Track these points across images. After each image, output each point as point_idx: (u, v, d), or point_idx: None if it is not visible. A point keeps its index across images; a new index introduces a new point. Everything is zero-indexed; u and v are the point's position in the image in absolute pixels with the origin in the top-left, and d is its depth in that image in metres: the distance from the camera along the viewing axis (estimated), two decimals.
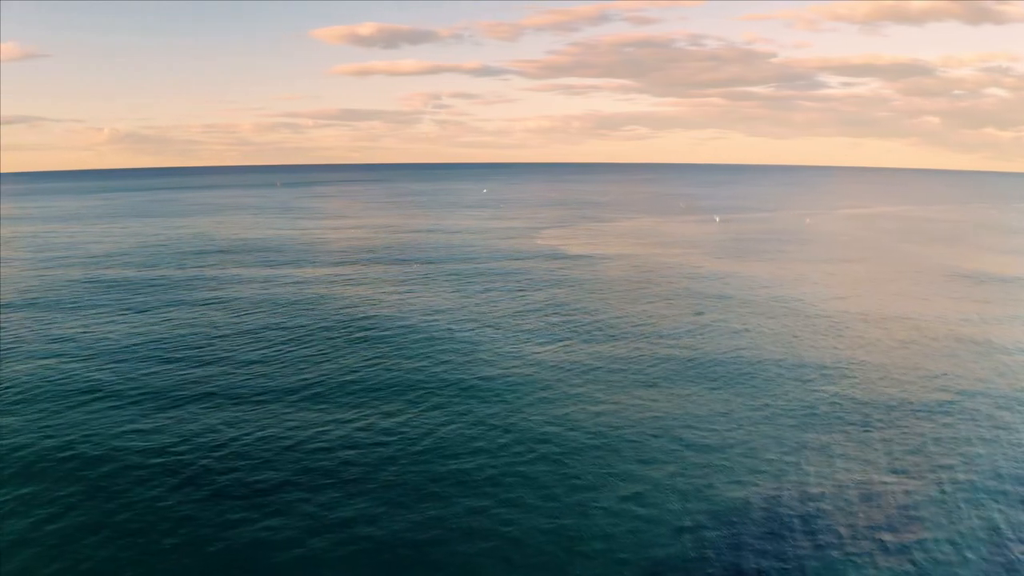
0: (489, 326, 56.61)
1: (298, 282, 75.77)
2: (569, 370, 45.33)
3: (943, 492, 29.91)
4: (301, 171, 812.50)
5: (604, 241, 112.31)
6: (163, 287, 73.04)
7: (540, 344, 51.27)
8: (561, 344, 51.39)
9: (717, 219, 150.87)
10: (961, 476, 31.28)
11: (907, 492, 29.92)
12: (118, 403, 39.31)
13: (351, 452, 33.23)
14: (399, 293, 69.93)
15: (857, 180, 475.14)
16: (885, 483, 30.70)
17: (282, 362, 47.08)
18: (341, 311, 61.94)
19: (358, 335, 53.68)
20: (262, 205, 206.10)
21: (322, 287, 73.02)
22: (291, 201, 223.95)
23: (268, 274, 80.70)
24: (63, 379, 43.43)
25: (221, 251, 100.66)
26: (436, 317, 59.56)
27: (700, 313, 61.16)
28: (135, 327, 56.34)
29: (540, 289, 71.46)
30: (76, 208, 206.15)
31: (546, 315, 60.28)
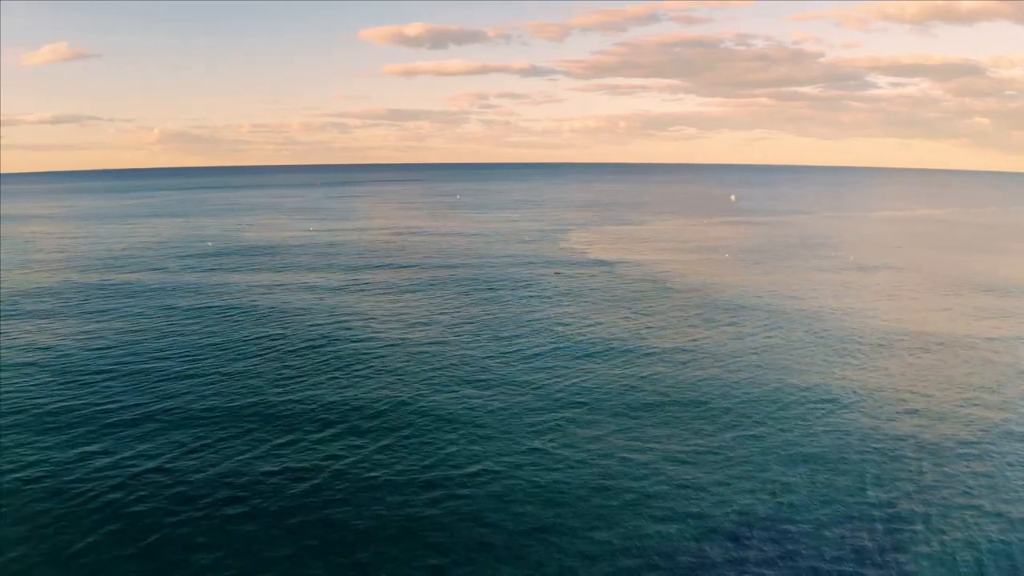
0: (482, 342, 54.13)
1: (292, 289, 74.00)
2: (556, 394, 42.35)
3: (984, 548, 26.46)
4: (347, 171, 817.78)
5: (627, 245, 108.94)
6: (155, 292, 72.11)
7: (532, 361, 48.42)
8: (555, 362, 48.34)
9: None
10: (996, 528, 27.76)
11: (940, 547, 26.62)
12: (70, 420, 37.86)
13: (278, 481, 31.26)
14: (394, 303, 67.59)
15: (903, 182, 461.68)
16: (904, 534, 27.31)
17: (246, 381, 45.06)
18: (326, 322, 59.67)
19: (335, 351, 51.27)
20: (292, 206, 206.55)
21: (314, 295, 71.06)
22: (321, 201, 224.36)
23: (264, 280, 79.29)
24: (18, 391, 42.25)
25: (230, 253, 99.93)
26: (424, 331, 57.12)
27: (710, 321, 57.47)
28: (112, 335, 55.12)
29: (546, 299, 68.68)
30: (109, 207, 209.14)
31: (546, 327, 57.35)
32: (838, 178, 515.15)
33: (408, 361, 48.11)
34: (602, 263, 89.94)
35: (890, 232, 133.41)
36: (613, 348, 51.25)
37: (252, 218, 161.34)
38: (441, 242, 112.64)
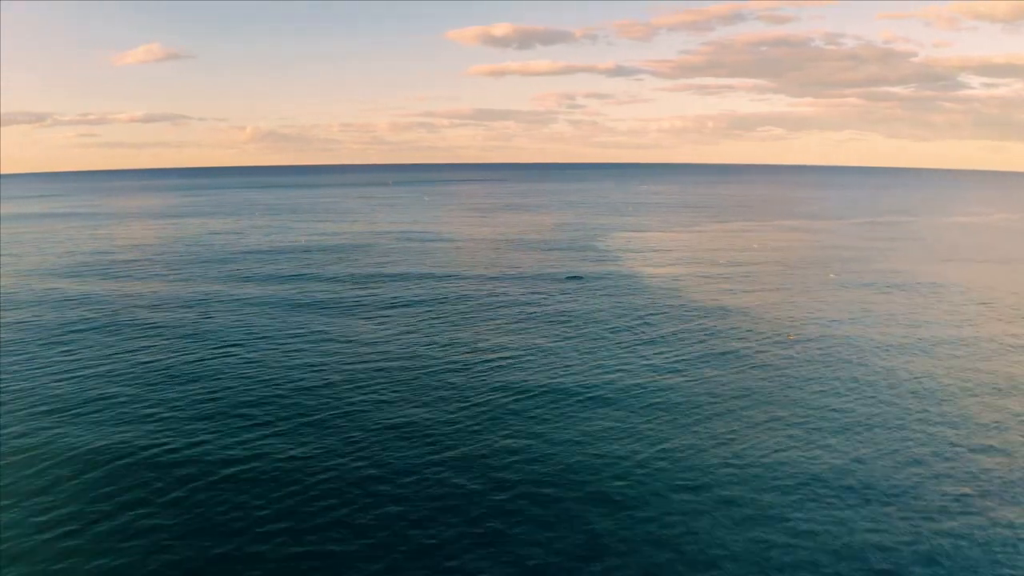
0: (443, 377, 49.21)
1: (270, 301, 70.92)
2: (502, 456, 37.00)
3: None
4: (431, 170, 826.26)
5: (675, 252, 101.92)
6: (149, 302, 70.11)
7: (492, 402, 43.00)
8: (523, 405, 42.26)
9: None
10: None
11: None
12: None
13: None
14: (367, 322, 62.89)
15: (989, 185, 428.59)
16: None
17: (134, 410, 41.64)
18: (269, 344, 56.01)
19: (259, 393, 46.62)
20: (346, 207, 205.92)
21: (261, 310, 67.35)
22: (386, 201, 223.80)
23: (249, 292, 76.66)
24: None
25: (249, 254, 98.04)
26: (382, 356, 52.85)
27: (717, 346, 49.86)
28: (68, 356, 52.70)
29: (549, 320, 63.35)
30: (177, 205, 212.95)
31: (532, 356, 51.56)
32: (924, 180, 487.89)
33: (340, 399, 43.61)
34: (639, 275, 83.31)
35: (956, 239, 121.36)
36: (601, 391, 44.68)
37: (307, 218, 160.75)
38: (468, 248, 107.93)
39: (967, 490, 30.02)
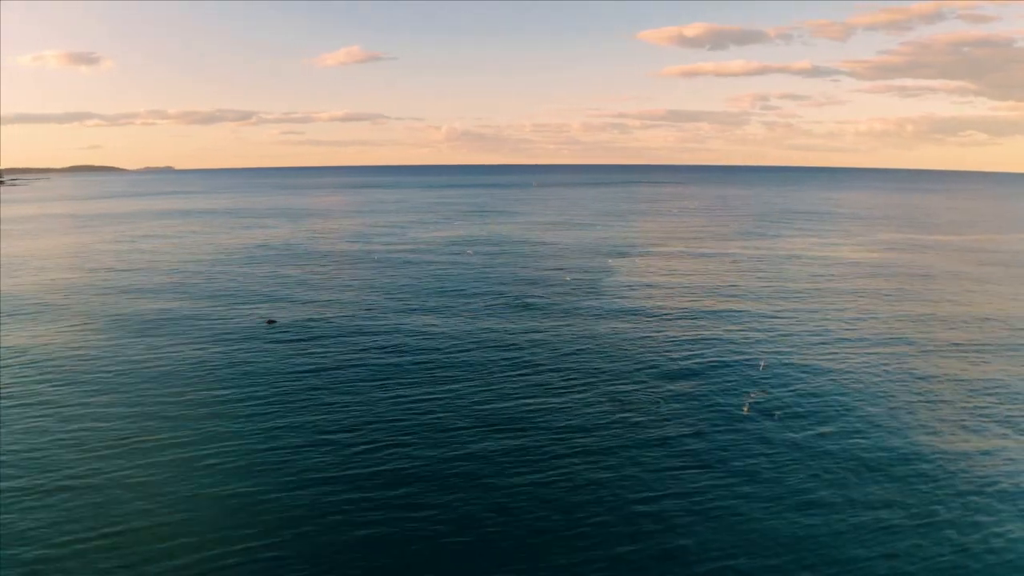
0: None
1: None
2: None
3: None
4: (622, 171, 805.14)
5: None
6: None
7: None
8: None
9: None
10: None
11: None
12: None
13: None
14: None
15: None
16: None
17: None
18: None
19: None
20: (467, 208, 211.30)
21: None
22: (504, 204, 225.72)
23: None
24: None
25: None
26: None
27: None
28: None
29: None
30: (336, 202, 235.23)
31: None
32: None
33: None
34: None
35: None
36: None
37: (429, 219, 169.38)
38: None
39: None
